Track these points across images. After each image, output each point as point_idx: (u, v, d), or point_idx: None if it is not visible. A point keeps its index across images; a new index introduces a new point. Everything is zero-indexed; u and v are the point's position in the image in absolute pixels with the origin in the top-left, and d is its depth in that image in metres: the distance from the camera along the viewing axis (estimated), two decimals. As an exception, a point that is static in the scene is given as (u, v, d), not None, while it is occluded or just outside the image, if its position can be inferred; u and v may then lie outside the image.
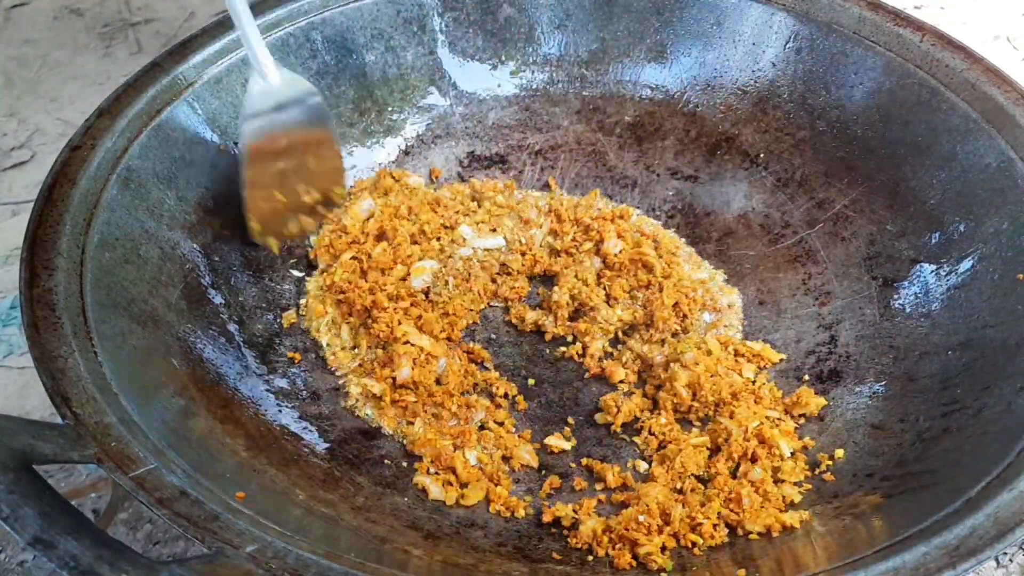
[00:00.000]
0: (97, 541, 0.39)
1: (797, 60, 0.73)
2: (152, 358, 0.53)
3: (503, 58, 0.78)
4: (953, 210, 0.63)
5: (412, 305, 0.65)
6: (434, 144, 0.77)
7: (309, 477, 0.53)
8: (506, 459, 0.58)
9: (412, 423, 0.59)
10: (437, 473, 0.56)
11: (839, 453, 0.56)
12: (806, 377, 0.62)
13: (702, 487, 0.55)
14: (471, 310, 0.67)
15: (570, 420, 0.61)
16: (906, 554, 0.42)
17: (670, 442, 0.58)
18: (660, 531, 0.51)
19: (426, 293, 0.67)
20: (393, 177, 0.73)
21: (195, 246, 0.62)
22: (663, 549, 0.50)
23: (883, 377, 0.60)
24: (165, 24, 1.03)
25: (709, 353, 0.62)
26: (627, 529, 0.51)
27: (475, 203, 0.74)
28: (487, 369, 0.64)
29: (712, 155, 0.75)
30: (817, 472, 0.56)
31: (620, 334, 0.66)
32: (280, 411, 0.58)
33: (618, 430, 0.60)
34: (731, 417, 0.58)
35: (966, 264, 0.61)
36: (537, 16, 0.77)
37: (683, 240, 0.72)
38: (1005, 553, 0.60)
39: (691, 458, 0.56)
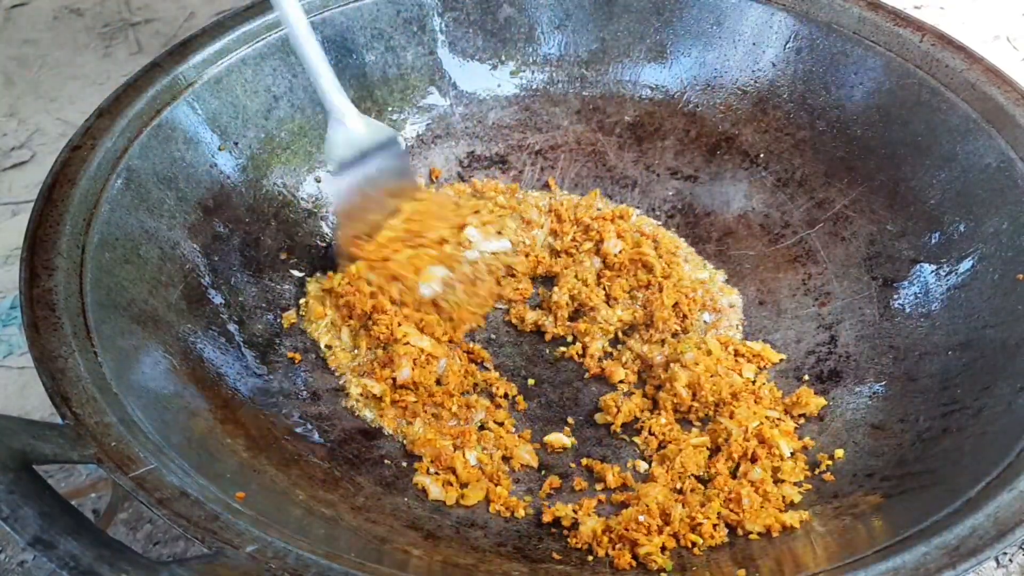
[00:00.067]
0: (97, 541, 0.39)
1: (797, 60, 0.73)
2: (152, 358, 0.53)
3: (503, 58, 0.78)
4: (953, 210, 0.63)
5: (416, 311, 0.64)
6: (434, 144, 0.77)
7: (309, 477, 0.53)
8: (506, 459, 0.58)
9: (412, 423, 0.59)
10: (437, 473, 0.56)
11: (839, 453, 0.56)
12: (806, 377, 0.62)
13: (702, 487, 0.55)
14: (476, 314, 0.67)
15: (570, 420, 0.61)
16: (906, 554, 0.42)
17: (670, 442, 0.58)
18: (660, 531, 0.51)
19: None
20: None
21: (195, 246, 0.62)
22: (663, 549, 0.50)
23: (883, 377, 0.60)
24: (165, 24, 1.03)
25: (709, 353, 0.62)
26: (627, 529, 0.51)
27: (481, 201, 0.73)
28: (487, 369, 0.64)
29: (712, 155, 0.75)
30: (817, 472, 0.56)
31: (620, 334, 0.66)
32: (280, 411, 0.58)
33: (618, 430, 0.60)
34: (731, 417, 0.58)
35: (966, 264, 0.61)
36: (537, 16, 0.77)
37: (683, 240, 0.72)
38: (1005, 553, 0.60)
39: (691, 458, 0.56)
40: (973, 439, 0.51)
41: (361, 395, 0.61)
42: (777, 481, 0.55)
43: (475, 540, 0.52)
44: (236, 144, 0.67)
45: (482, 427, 0.60)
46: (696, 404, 0.60)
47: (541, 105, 0.79)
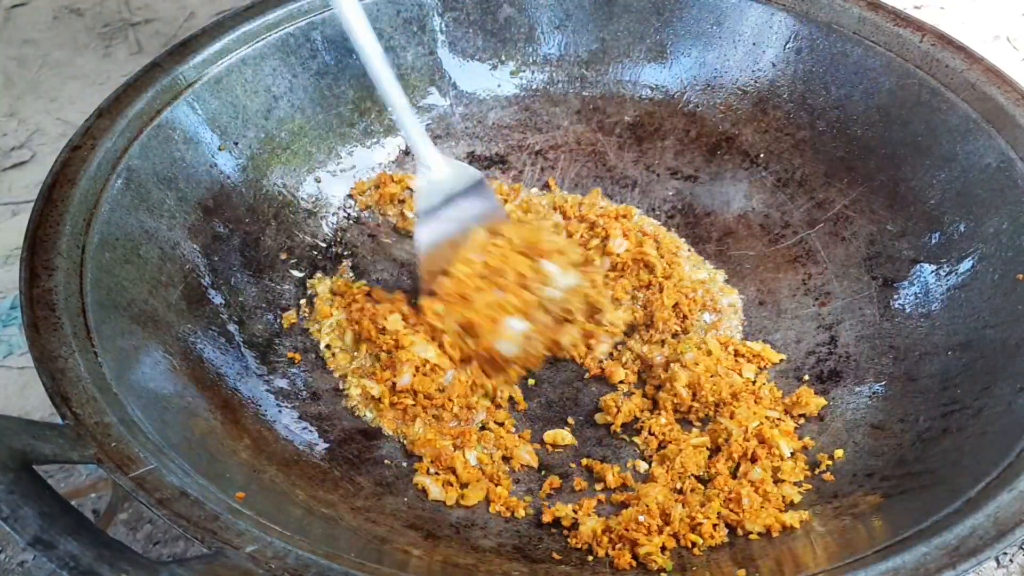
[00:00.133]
0: (97, 541, 0.39)
1: (797, 60, 0.73)
2: (152, 358, 0.53)
3: (503, 58, 0.78)
4: (953, 210, 0.63)
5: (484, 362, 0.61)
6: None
7: (309, 477, 0.53)
8: (506, 459, 0.58)
9: (412, 423, 0.59)
10: (437, 473, 0.56)
11: (839, 453, 0.56)
12: (806, 377, 0.62)
13: (702, 487, 0.55)
14: (541, 358, 0.64)
15: (570, 420, 0.61)
16: (906, 554, 0.42)
17: (670, 442, 0.58)
18: (660, 531, 0.51)
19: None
20: (394, 180, 0.73)
21: (195, 246, 0.62)
22: (663, 549, 0.50)
23: (883, 377, 0.60)
24: (165, 24, 1.03)
25: (709, 353, 0.62)
26: (627, 529, 0.51)
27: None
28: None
29: (712, 155, 0.75)
30: (817, 472, 0.56)
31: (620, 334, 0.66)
32: (280, 411, 0.58)
33: (618, 430, 0.60)
34: (731, 417, 0.58)
35: (966, 264, 0.61)
36: (537, 16, 0.77)
37: (683, 240, 0.72)
38: (1005, 553, 0.60)
39: (691, 458, 0.56)
40: (973, 439, 0.51)
41: (361, 396, 0.61)
42: (777, 481, 0.55)
43: (475, 540, 0.52)
44: (236, 144, 0.67)
45: (482, 427, 0.60)
46: (696, 404, 0.60)
47: (541, 105, 0.79)
